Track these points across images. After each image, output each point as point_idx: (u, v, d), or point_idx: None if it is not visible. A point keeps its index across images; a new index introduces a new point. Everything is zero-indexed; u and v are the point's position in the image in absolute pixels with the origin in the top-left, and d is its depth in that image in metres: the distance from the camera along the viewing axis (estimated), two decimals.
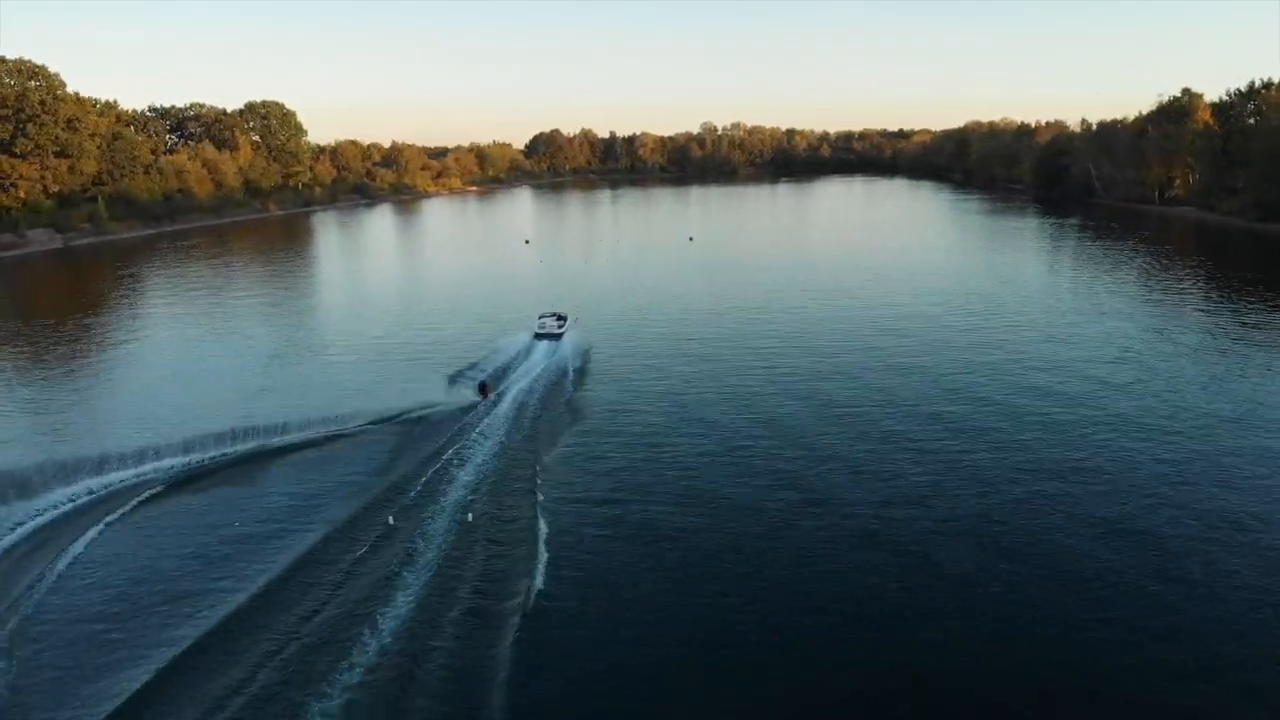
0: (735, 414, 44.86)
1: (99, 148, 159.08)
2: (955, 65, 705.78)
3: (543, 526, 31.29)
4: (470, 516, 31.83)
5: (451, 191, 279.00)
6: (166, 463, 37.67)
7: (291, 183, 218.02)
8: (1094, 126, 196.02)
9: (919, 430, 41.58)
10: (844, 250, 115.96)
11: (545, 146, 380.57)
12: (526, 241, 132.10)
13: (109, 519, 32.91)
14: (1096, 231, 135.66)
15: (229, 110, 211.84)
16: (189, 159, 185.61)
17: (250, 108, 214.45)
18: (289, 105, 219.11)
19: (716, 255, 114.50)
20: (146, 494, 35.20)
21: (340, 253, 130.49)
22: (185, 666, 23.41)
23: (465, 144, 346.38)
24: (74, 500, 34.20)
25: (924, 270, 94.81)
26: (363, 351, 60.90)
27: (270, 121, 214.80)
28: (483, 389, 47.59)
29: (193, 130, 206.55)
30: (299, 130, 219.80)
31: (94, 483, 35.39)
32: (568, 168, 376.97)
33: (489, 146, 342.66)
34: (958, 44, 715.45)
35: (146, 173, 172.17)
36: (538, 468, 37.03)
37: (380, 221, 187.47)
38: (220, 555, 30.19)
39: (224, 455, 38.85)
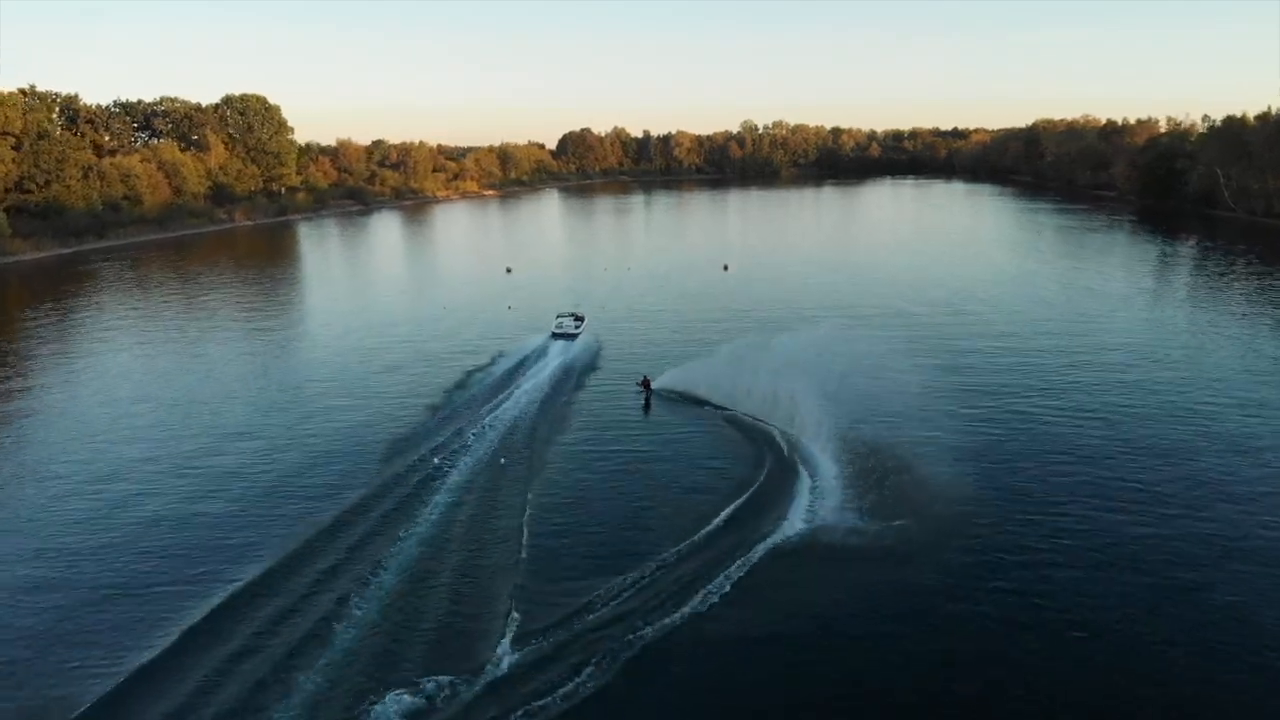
0: None
1: (14, 149, 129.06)
2: (1010, 62, 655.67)
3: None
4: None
5: (465, 196, 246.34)
6: None
7: (274, 187, 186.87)
8: (1216, 123, 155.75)
9: None
10: (922, 281, 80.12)
11: (574, 147, 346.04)
12: (508, 270, 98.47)
13: None
14: (1237, 256, 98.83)
15: (203, 105, 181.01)
16: (141, 161, 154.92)
17: (227, 101, 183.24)
18: (272, 100, 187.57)
19: (758, 293, 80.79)
20: None
21: (254, 293, 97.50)
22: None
23: (489, 145, 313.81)
24: None
25: (1048, 322, 59.38)
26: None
27: (249, 117, 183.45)
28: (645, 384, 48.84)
29: (160, 127, 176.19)
30: (283, 127, 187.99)
31: None
32: (597, 169, 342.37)
33: (512, 147, 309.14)
34: (1012, 40, 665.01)
35: (85, 178, 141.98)
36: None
37: (358, 236, 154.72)
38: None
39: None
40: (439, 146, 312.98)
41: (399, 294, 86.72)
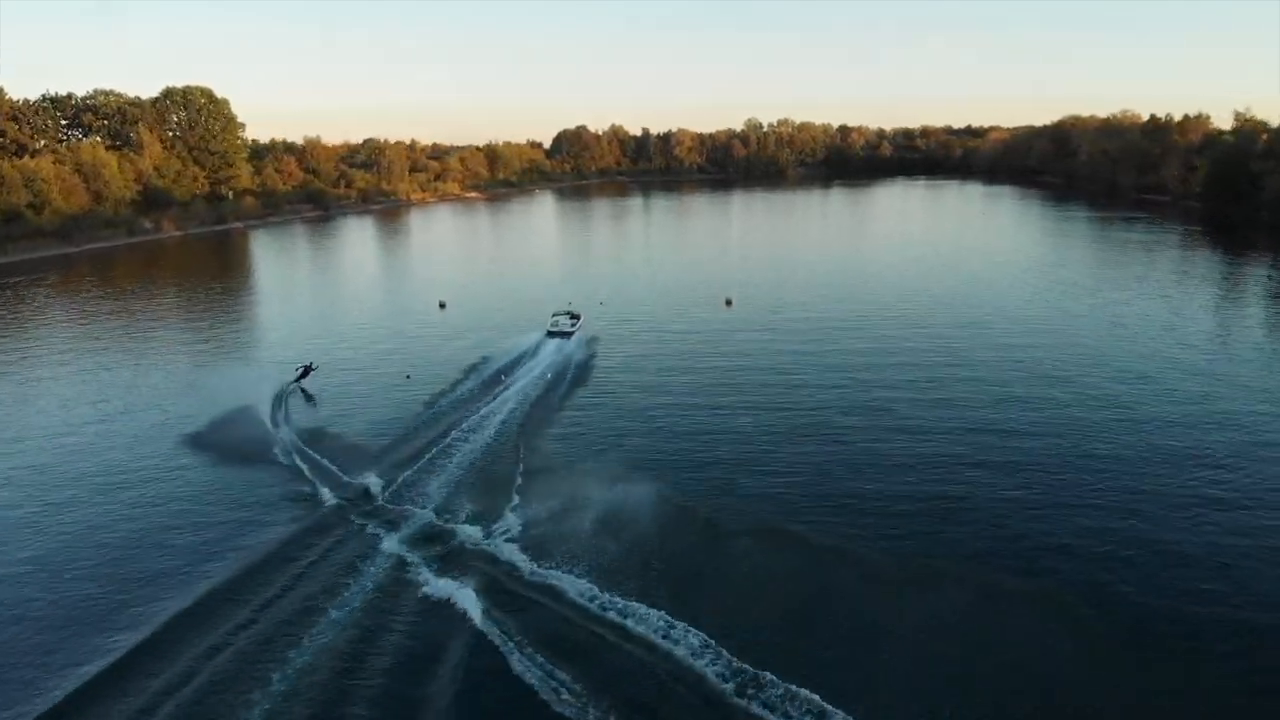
0: None
1: None
2: (1021, 60, 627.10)
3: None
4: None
5: (444, 199, 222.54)
6: None
7: (222, 190, 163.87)
8: None
9: None
10: (1005, 343, 56.58)
11: (569, 145, 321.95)
12: (442, 305, 75.21)
13: None
14: None
15: (141, 98, 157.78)
16: (54, 162, 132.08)
17: (168, 95, 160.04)
18: (220, 93, 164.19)
19: (767, 340, 58.58)
20: None
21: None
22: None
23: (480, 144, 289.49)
24: None
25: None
26: None
27: (193, 112, 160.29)
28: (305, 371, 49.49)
29: (89, 123, 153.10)
30: (232, 124, 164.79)
31: None
32: (594, 169, 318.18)
33: (501, 146, 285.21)
34: (1023, 38, 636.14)
35: None
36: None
37: (294, 250, 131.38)
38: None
39: None
40: (434, 145, 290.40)
41: (279, 341, 62.93)
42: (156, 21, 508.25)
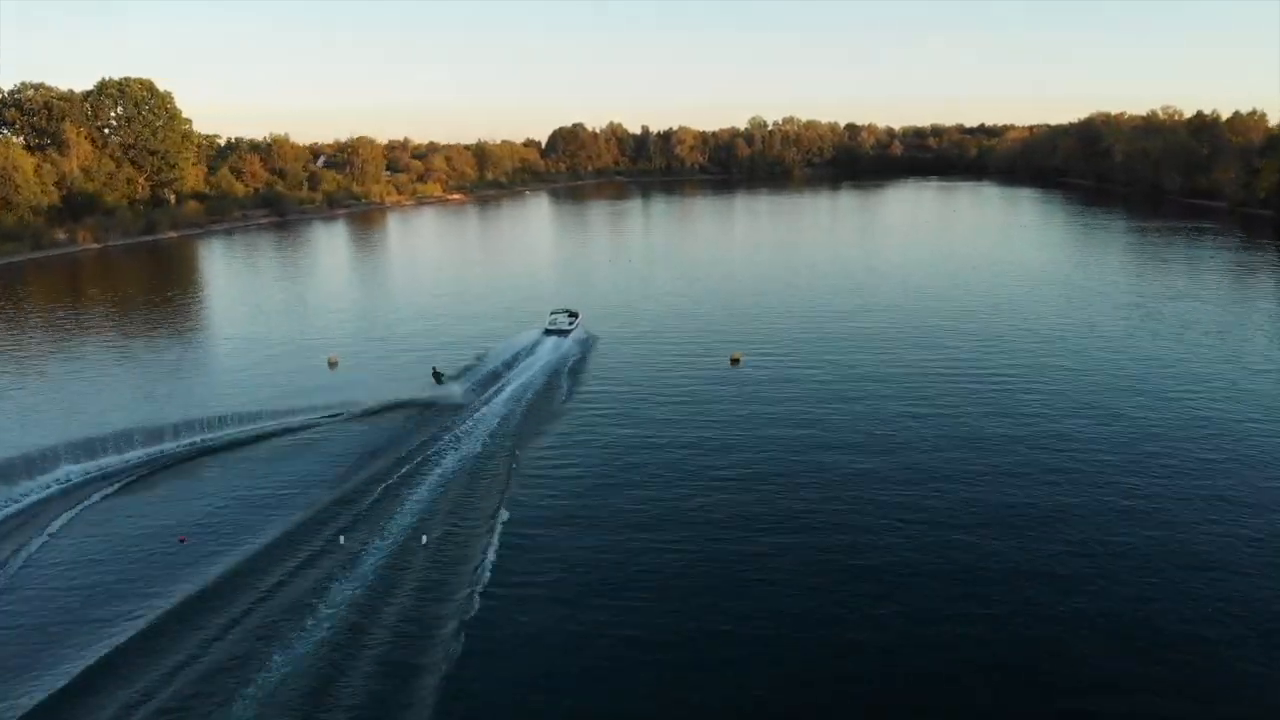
0: None
1: None
2: (1034, 60, 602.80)
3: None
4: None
5: (421, 202, 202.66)
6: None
7: (165, 193, 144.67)
8: None
9: None
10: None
11: (565, 144, 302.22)
12: (331, 364, 55.24)
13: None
14: None
15: (74, 91, 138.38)
16: None
17: (103, 88, 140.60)
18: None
19: (791, 438, 37.60)
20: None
21: None
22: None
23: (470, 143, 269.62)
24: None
25: None
26: None
27: (131, 107, 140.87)
28: (436, 376, 47.36)
29: (12, 119, 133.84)
30: (175, 119, 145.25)
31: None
32: (590, 169, 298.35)
33: (491, 144, 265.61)
34: (1033, 38, 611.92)
35: None
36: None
37: (208, 269, 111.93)
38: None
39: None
40: (430, 144, 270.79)
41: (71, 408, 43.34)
42: (155, 21, 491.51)
